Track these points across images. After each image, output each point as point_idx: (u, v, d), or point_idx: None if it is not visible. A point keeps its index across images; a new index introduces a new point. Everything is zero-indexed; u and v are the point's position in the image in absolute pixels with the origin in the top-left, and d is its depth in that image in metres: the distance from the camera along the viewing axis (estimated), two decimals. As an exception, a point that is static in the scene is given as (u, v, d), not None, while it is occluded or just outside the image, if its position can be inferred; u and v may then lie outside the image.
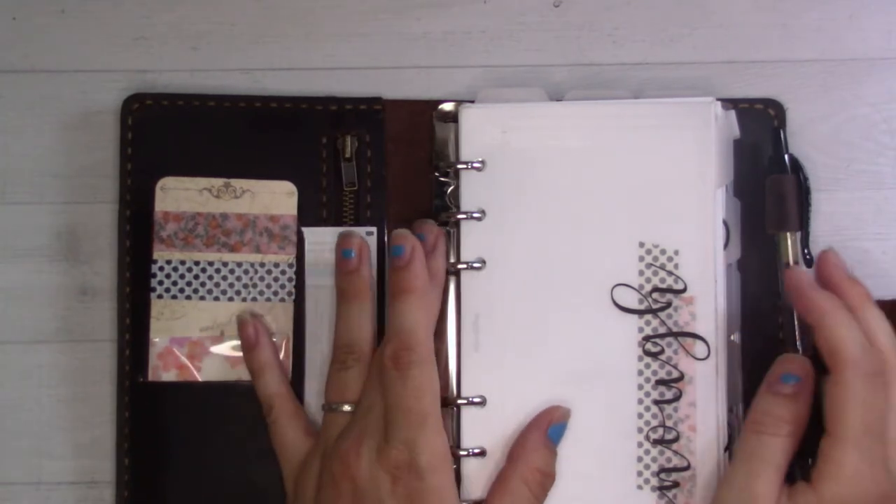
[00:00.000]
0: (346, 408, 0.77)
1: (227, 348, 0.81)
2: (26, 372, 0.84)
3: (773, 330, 0.81)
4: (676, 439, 0.78)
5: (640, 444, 0.78)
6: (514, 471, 0.76)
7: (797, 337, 0.80)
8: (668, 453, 0.78)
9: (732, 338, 0.79)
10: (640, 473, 0.78)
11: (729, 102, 0.81)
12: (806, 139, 0.84)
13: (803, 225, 0.81)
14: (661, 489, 0.78)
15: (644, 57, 0.85)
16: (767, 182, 0.81)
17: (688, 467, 0.78)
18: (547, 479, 0.77)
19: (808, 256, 0.81)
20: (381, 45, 0.85)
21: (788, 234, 0.80)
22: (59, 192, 0.84)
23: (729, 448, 0.78)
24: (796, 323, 0.80)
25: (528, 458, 0.76)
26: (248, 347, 0.81)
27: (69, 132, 0.84)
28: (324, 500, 0.75)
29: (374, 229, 0.82)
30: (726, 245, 0.79)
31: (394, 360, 0.75)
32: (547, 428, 0.77)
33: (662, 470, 0.78)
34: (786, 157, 0.81)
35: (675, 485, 0.78)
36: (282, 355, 0.81)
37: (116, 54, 0.85)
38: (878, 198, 0.84)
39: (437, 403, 0.75)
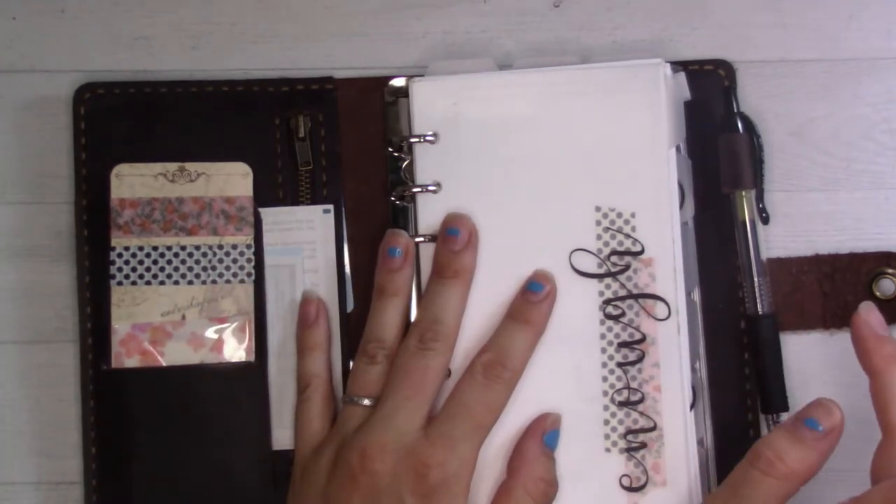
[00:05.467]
0: (367, 402, 0.77)
1: (189, 332, 0.81)
2: (26, 372, 0.83)
3: (732, 287, 0.82)
4: (641, 400, 0.78)
5: (605, 407, 0.78)
6: (517, 482, 0.75)
7: (757, 297, 0.80)
8: (634, 415, 0.78)
9: (691, 296, 0.80)
10: (607, 436, 0.78)
11: (678, 65, 0.82)
12: (806, 139, 0.84)
13: (757, 182, 0.81)
14: (629, 451, 0.78)
15: (644, 57, 0.83)
16: (720, 141, 0.81)
17: (654, 428, 0.78)
18: (550, 487, 0.76)
19: (763, 214, 0.81)
20: (381, 45, 0.85)
21: (743, 192, 0.81)
22: (59, 191, 0.84)
23: (693, 406, 0.78)
24: (756, 281, 0.80)
25: (529, 469, 0.76)
26: (304, 324, 0.81)
27: (69, 132, 0.84)
28: (335, 490, 0.75)
29: (330, 207, 0.82)
30: (681, 205, 0.80)
31: (420, 340, 0.77)
32: (542, 436, 0.77)
33: (629, 432, 0.78)
34: (737, 115, 0.81)
35: (643, 445, 0.78)
36: (245, 336, 0.81)
37: (116, 54, 0.85)
38: (878, 198, 0.84)
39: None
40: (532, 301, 0.77)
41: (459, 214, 0.79)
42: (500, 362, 0.76)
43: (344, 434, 0.76)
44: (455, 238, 0.78)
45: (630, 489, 0.77)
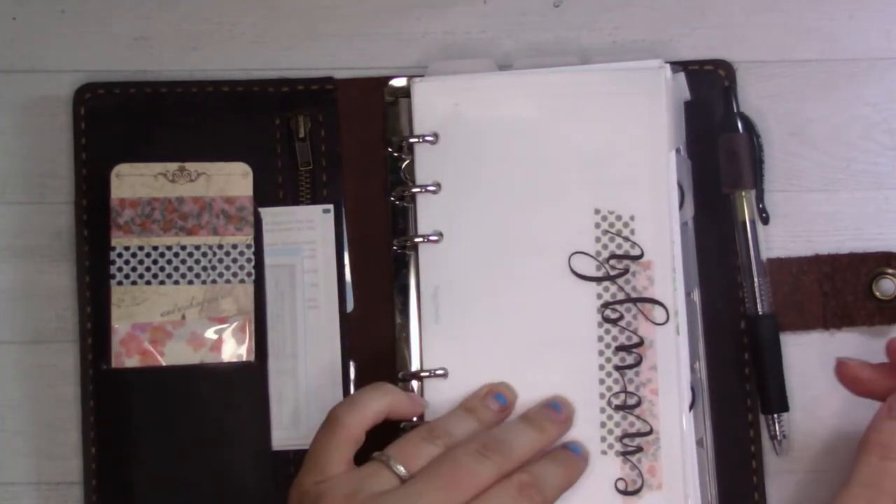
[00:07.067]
0: (402, 471, 0.72)
1: (189, 332, 0.81)
2: (26, 372, 0.84)
3: (732, 287, 0.82)
4: (639, 404, 0.78)
5: (602, 411, 0.78)
6: None
7: (757, 297, 0.80)
8: (631, 418, 0.78)
9: (691, 296, 0.79)
10: (603, 439, 0.78)
11: (678, 65, 0.81)
12: (806, 139, 0.83)
13: (757, 182, 0.81)
14: (626, 454, 0.78)
15: (644, 57, 0.83)
16: (720, 141, 0.81)
17: (650, 431, 0.78)
18: None
19: (763, 214, 0.81)
20: (381, 45, 0.85)
21: (743, 193, 0.81)
22: (59, 191, 0.84)
23: (693, 407, 0.78)
24: (756, 281, 0.80)
25: None
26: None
27: (69, 132, 0.84)
28: None
29: (330, 207, 0.82)
30: (681, 206, 0.79)
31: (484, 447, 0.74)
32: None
33: (626, 435, 0.78)
34: (737, 115, 0.81)
35: (639, 449, 0.78)
36: (245, 336, 0.81)
37: (116, 54, 0.85)
38: (878, 198, 0.83)
39: None
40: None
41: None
42: (534, 485, 0.73)
43: (361, 491, 0.72)
44: (557, 413, 0.77)
45: (625, 493, 0.77)
